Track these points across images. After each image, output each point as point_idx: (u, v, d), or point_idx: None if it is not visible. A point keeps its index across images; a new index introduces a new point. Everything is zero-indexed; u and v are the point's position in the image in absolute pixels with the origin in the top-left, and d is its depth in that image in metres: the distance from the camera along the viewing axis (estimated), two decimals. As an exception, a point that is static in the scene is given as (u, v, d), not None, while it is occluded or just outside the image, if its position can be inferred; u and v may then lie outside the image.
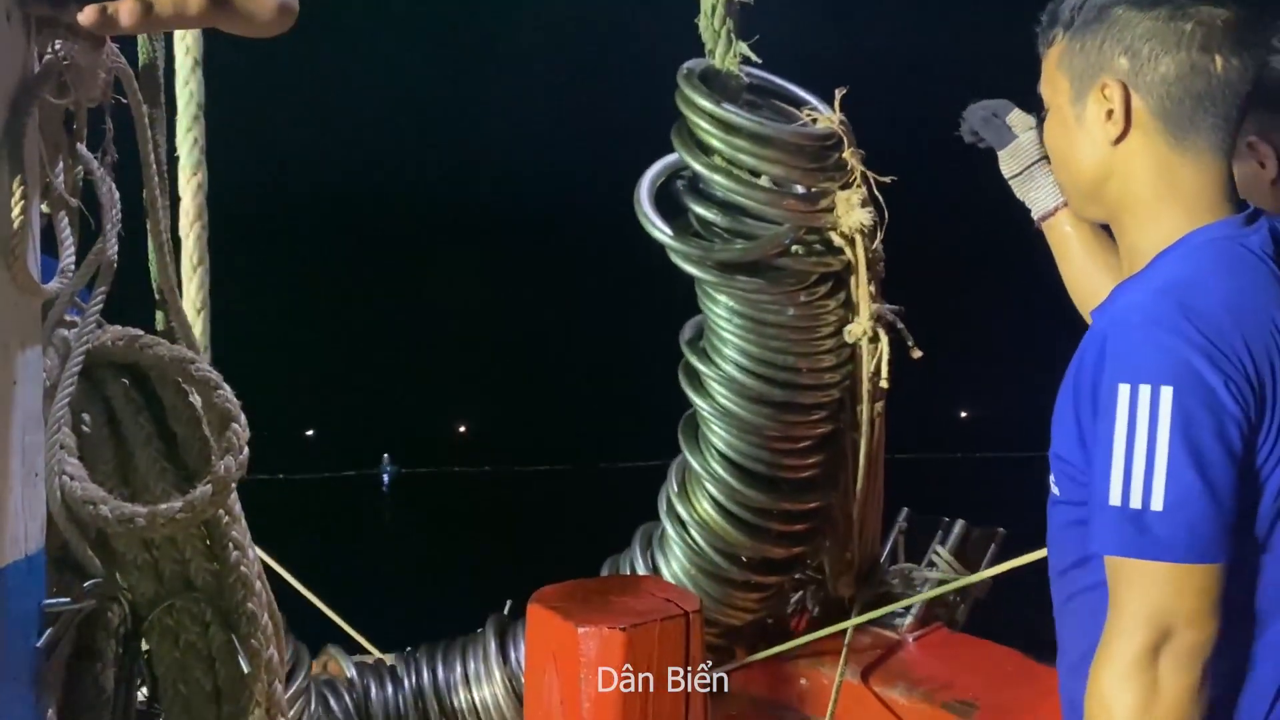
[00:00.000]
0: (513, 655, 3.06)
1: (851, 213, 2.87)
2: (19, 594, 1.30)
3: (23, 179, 1.16)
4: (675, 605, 1.76)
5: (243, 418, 1.50)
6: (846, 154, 2.90)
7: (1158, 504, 1.33)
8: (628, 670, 1.66)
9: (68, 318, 1.53)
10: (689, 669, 1.73)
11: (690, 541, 2.82)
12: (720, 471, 2.91)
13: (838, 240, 2.94)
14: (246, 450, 1.48)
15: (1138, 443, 1.35)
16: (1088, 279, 1.90)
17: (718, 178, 2.85)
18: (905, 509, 3.66)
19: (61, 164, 1.40)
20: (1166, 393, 1.34)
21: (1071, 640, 1.56)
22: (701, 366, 2.96)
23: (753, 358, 2.89)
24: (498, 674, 3.04)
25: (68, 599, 1.38)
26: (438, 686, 3.11)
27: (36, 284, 1.26)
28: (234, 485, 1.47)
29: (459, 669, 3.10)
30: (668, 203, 3.09)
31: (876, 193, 2.93)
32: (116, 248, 1.52)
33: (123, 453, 1.51)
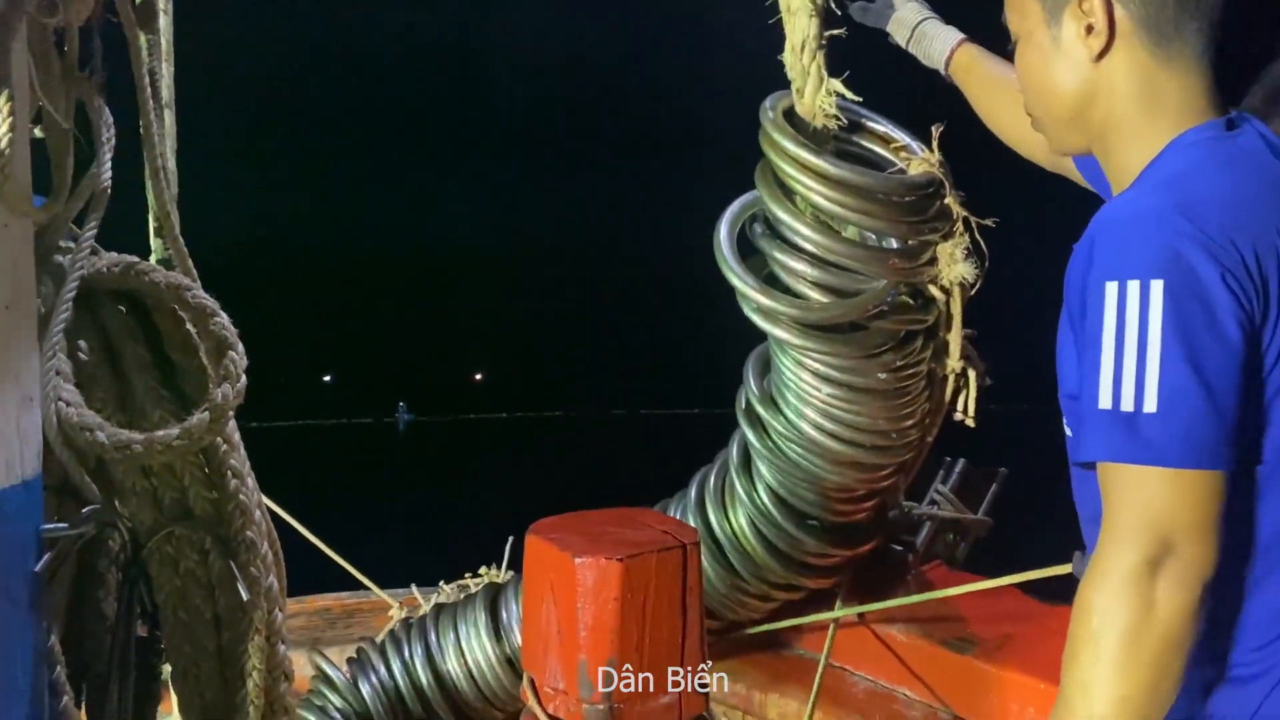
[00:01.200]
0: (503, 616, 3.05)
1: (954, 266, 2.58)
2: (16, 519, 1.30)
3: (10, 96, 1.14)
4: (673, 537, 1.76)
5: (239, 345, 1.50)
6: (949, 201, 2.56)
7: (1150, 405, 1.24)
8: (625, 600, 1.66)
9: (62, 244, 1.53)
10: (686, 599, 1.73)
11: (713, 546, 2.77)
12: (768, 506, 2.74)
13: (933, 291, 2.64)
14: (244, 378, 1.48)
15: (1127, 341, 1.26)
16: (1002, 105, 1.94)
17: (809, 231, 2.52)
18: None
19: (52, 86, 1.38)
20: (1157, 287, 1.24)
21: None
22: (769, 418, 2.71)
23: (839, 422, 2.62)
24: (488, 636, 3.03)
25: (65, 524, 1.38)
26: (430, 654, 3.08)
27: (30, 204, 1.25)
28: (231, 413, 1.47)
29: (451, 635, 3.09)
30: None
31: (977, 236, 2.59)
32: (110, 172, 1.51)
33: (120, 380, 1.51)
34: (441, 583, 3.85)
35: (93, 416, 1.39)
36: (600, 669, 1.67)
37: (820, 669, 2.83)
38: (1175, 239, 1.26)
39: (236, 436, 1.58)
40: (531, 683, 1.79)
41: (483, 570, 3.95)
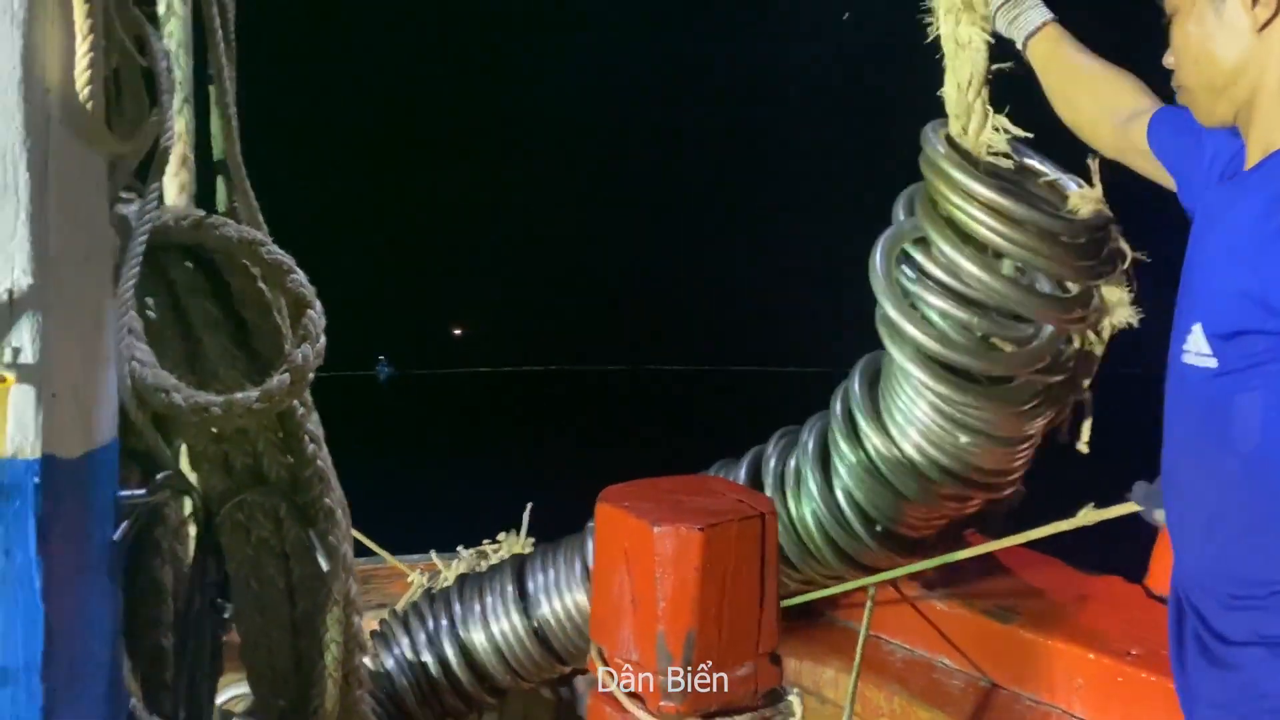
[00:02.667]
0: (530, 586, 3.00)
1: (1119, 310, 2.36)
2: (94, 485, 1.23)
3: (91, 13, 1.05)
4: (749, 506, 1.71)
5: (318, 304, 1.43)
6: (1119, 242, 2.35)
7: None
8: (705, 569, 1.61)
9: (123, 195, 1.44)
10: (764, 569, 1.69)
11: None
12: (842, 509, 2.63)
13: (1090, 337, 2.44)
14: (323, 338, 1.41)
15: None
16: (1076, 92, 1.98)
17: (981, 274, 2.31)
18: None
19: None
20: None
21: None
22: (869, 431, 2.57)
23: (947, 454, 2.48)
24: (515, 608, 2.99)
25: (142, 490, 1.32)
26: (455, 626, 3.04)
27: (108, 135, 1.16)
28: (311, 375, 1.40)
29: (476, 606, 3.05)
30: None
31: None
32: (175, 118, 1.42)
33: (189, 339, 1.44)
34: (460, 548, 3.80)
35: (168, 377, 1.32)
36: (679, 640, 1.63)
37: (861, 638, 2.80)
38: None
39: (310, 400, 1.51)
40: (601, 653, 1.74)
41: (501, 536, 3.91)
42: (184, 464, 1.54)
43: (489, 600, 3.02)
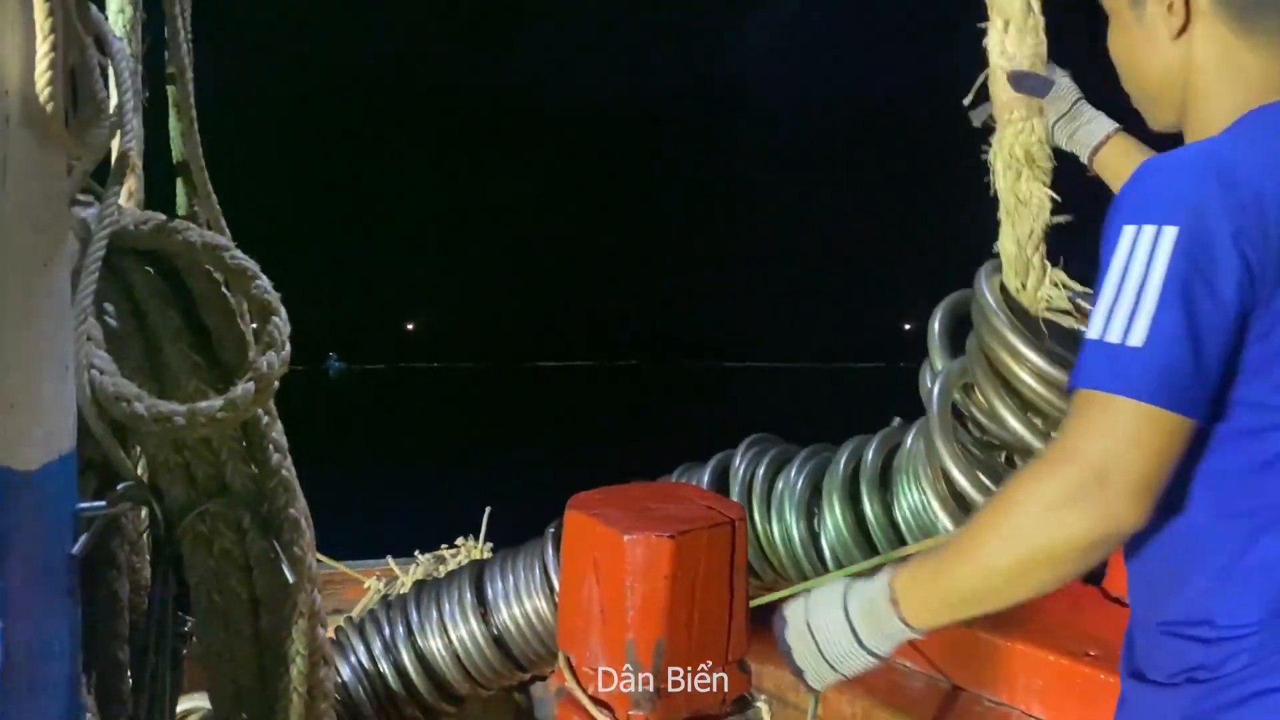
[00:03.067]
0: (489, 593, 2.95)
1: None
2: (54, 498, 1.19)
3: (51, 13, 1.01)
4: (719, 513, 1.70)
5: (283, 311, 1.40)
6: None
7: (1136, 340, 1.24)
8: (676, 577, 1.60)
9: (81, 197, 1.40)
10: (734, 577, 1.68)
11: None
12: (825, 554, 2.68)
13: None
14: (289, 346, 1.38)
15: (1130, 280, 1.26)
16: None
17: (1024, 431, 2.36)
18: (897, 418, 3.62)
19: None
20: (1169, 233, 1.24)
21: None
22: (870, 497, 2.66)
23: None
24: (474, 615, 2.93)
25: (102, 502, 1.28)
26: (412, 634, 2.97)
27: (68, 136, 1.12)
28: (276, 383, 1.37)
29: (434, 613, 3.00)
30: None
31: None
32: (135, 119, 1.38)
33: (150, 347, 1.40)
34: (418, 553, 3.76)
35: (129, 386, 1.28)
36: (649, 648, 1.62)
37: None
38: (1199, 192, 1.25)
39: (274, 409, 1.48)
40: (569, 662, 1.73)
41: (460, 541, 3.87)
42: (143, 475, 1.50)
43: (447, 607, 2.97)
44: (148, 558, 1.57)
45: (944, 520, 2.48)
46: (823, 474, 2.71)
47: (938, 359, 2.56)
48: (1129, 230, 1.28)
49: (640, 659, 1.62)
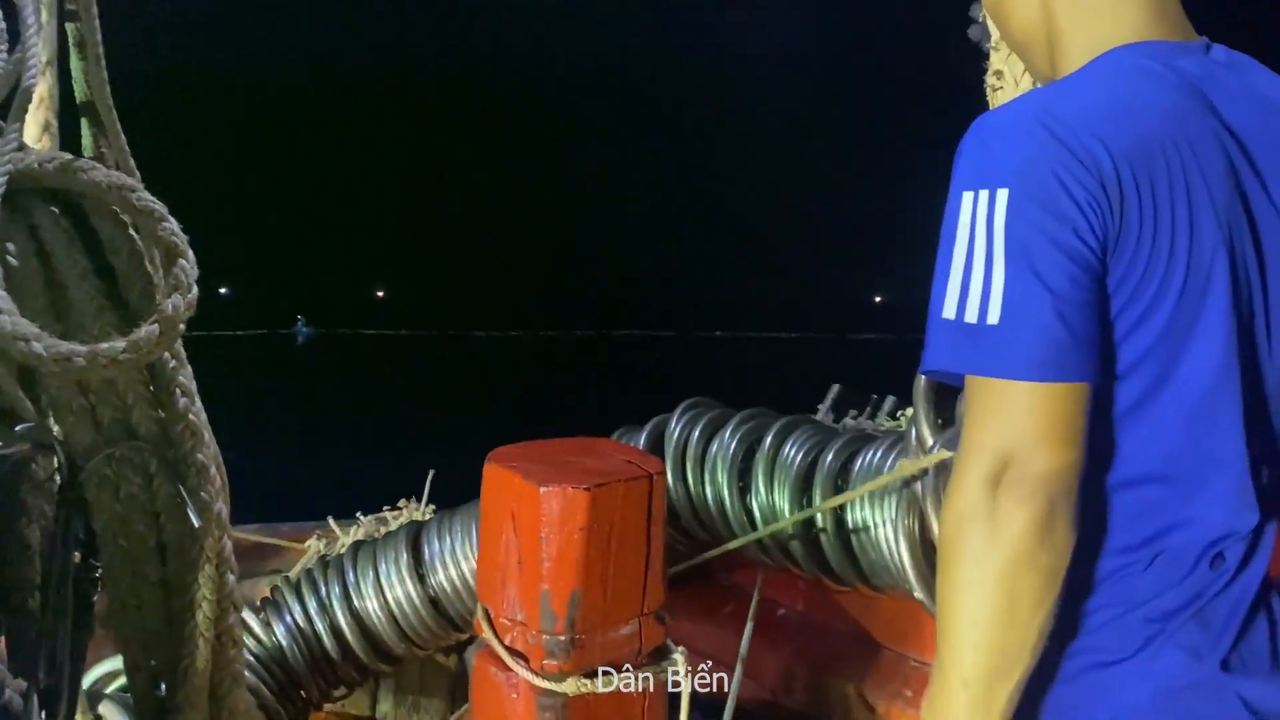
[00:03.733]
0: (426, 554, 2.95)
1: None
2: (-55, 436, 1.19)
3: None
4: (638, 467, 1.71)
5: (190, 253, 1.38)
6: None
7: (994, 317, 1.19)
8: (591, 529, 1.61)
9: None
10: (650, 529, 1.70)
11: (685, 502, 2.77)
12: (756, 518, 2.76)
13: None
14: (196, 289, 1.36)
15: (976, 252, 1.21)
16: None
17: None
18: (836, 385, 3.63)
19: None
20: (1002, 196, 1.20)
21: None
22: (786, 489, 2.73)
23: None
24: (409, 575, 2.93)
25: (0, 444, 1.27)
26: (349, 594, 2.96)
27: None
28: (182, 326, 1.36)
29: (371, 573, 2.97)
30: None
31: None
32: (39, 52, 1.36)
33: (55, 288, 1.38)
34: (359, 514, 3.74)
35: (29, 325, 1.26)
36: (564, 599, 1.63)
37: (754, 601, 2.83)
38: (1029, 147, 1.22)
39: (183, 353, 1.47)
40: (487, 614, 1.74)
41: (402, 503, 3.85)
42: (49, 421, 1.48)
43: (384, 567, 2.96)
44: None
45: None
46: (756, 439, 2.73)
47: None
48: (967, 197, 1.24)
49: (555, 610, 1.63)
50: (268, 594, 3.08)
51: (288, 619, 2.98)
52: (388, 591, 2.95)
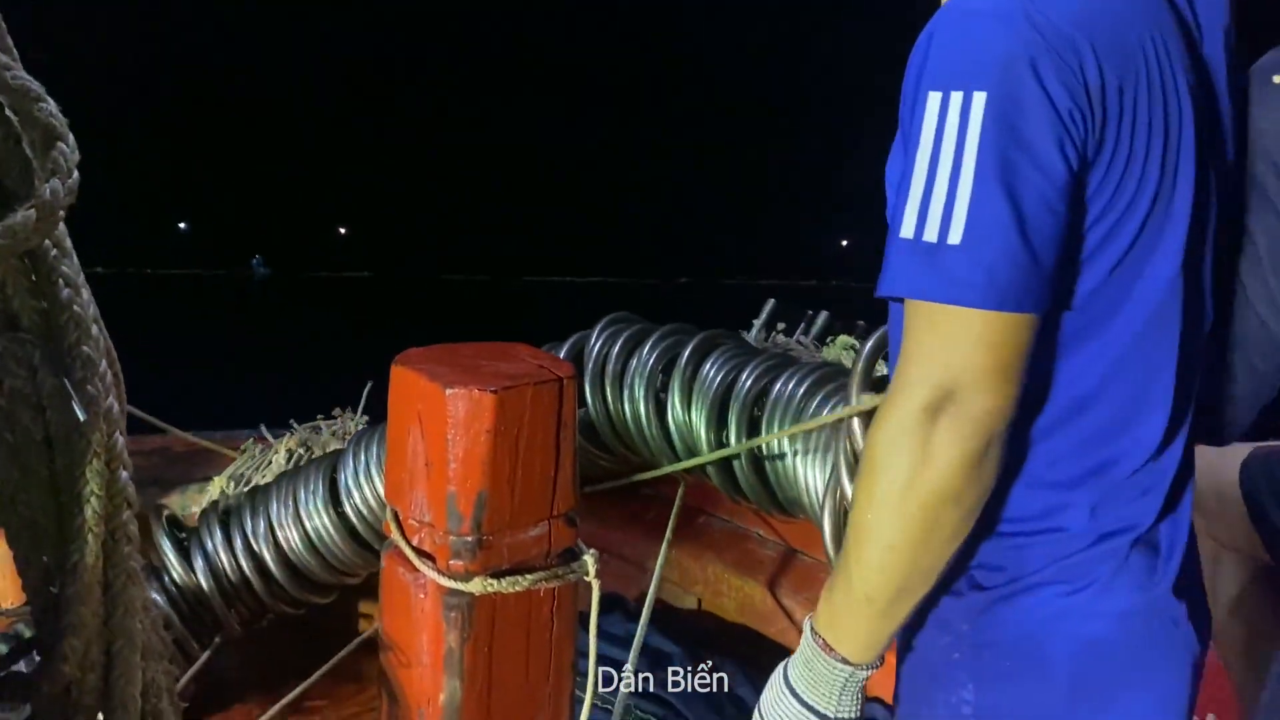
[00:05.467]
0: (343, 480, 2.89)
1: None
2: None
3: None
4: (549, 371, 1.70)
5: (70, 137, 1.32)
6: None
7: (955, 237, 1.10)
8: (498, 432, 1.60)
9: None
10: (560, 434, 1.69)
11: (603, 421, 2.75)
12: (673, 440, 2.75)
13: None
14: (76, 173, 1.31)
15: (941, 163, 1.11)
16: None
17: None
18: (771, 300, 3.60)
19: None
20: (979, 100, 1.09)
21: None
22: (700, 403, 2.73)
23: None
24: (325, 506, 2.88)
25: None
26: (271, 526, 2.92)
27: None
28: (62, 212, 1.31)
29: (290, 504, 2.93)
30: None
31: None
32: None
33: (-75, 171, 1.33)
34: (293, 422, 3.69)
35: (-106, 208, 1.22)
36: (470, 500, 1.62)
37: (675, 510, 2.84)
38: (1011, 43, 1.11)
39: (69, 243, 1.41)
40: (396, 516, 1.72)
41: (336, 411, 3.81)
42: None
43: (303, 497, 2.91)
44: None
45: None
46: (675, 355, 2.71)
47: None
48: (935, 98, 1.13)
49: (461, 511, 1.62)
50: (199, 505, 3.05)
51: (209, 548, 2.92)
52: (306, 522, 2.90)
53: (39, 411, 1.43)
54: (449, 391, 1.60)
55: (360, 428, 3.48)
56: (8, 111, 1.35)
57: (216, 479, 3.41)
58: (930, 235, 1.13)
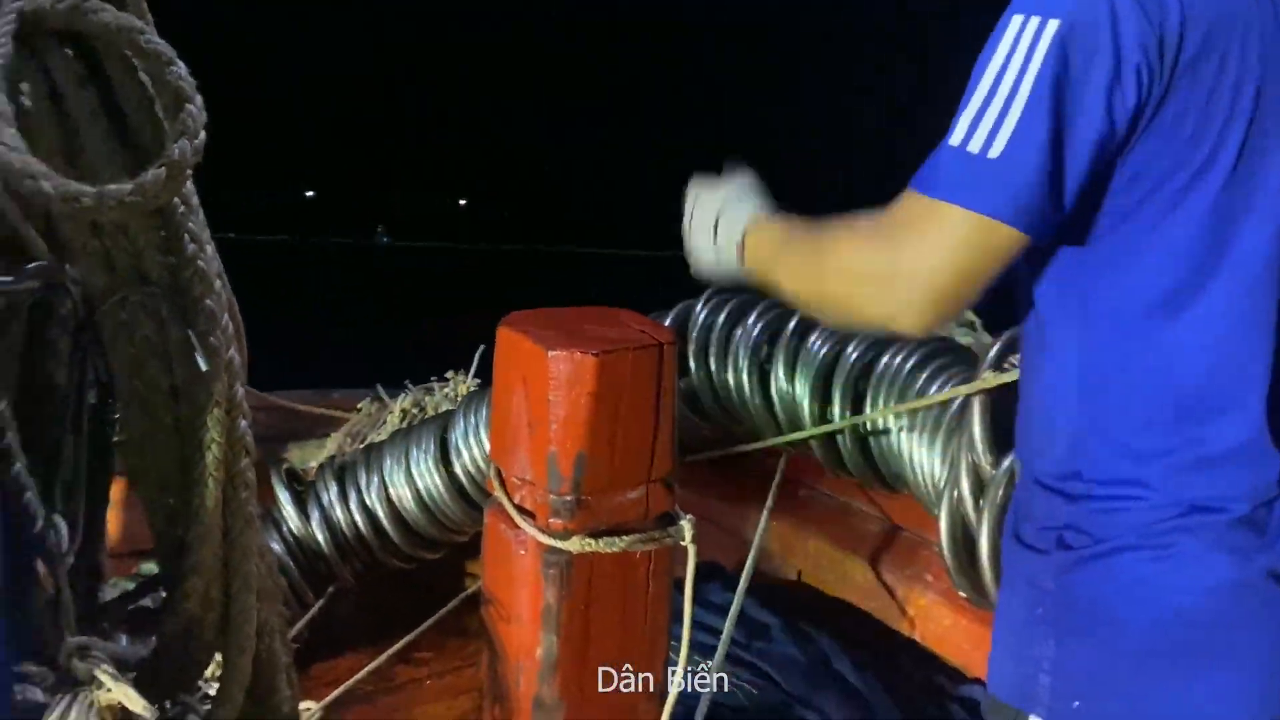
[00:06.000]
0: (453, 440, 2.96)
1: None
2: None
3: None
4: (650, 336, 1.71)
5: (199, 98, 1.39)
6: None
7: (996, 151, 1.16)
8: (598, 394, 1.62)
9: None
10: (660, 399, 1.70)
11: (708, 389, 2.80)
12: (776, 409, 2.81)
13: None
14: (203, 134, 1.37)
15: (1005, 80, 1.16)
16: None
17: None
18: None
19: None
20: (1051, 27, 1.13)
21: None
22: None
23: None
24: (436, 465, 2.96)
25: (10, 278, 1.31)
26: (384, 483, 3.00)
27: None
28: (189, 172, 1.37)
29: (403, 461, 3.00)
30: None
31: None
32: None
33: (67, 131, 1.41)
34: (408, 383, 3.82)
35: (38, 164, 1.29)
36: (570, 461, 1.65)
37: (776, 483, 2.83)
38: None
39: (195, 200, 1.48)
40: (499, 474, 1.77)
41: (449, 374, 3.92)
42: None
43: (415, 455, 3.00)
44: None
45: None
46: (780, 326, 2.71)
47: None
48: (1015, 21, 1.17)
49: (562, 471, 1.66)
50: (317, 460, 3.18)
51: (325, 502, 3.04)
52: (418, 480, 2.99)
53: (165, 362, 1.51)
54: (551, 354, 1.63)
55: (471, 389, 3.59)
56: (142, 75, 1.42)
57: (334, 435, 3.56)
58: (974, 147, 1.18)
